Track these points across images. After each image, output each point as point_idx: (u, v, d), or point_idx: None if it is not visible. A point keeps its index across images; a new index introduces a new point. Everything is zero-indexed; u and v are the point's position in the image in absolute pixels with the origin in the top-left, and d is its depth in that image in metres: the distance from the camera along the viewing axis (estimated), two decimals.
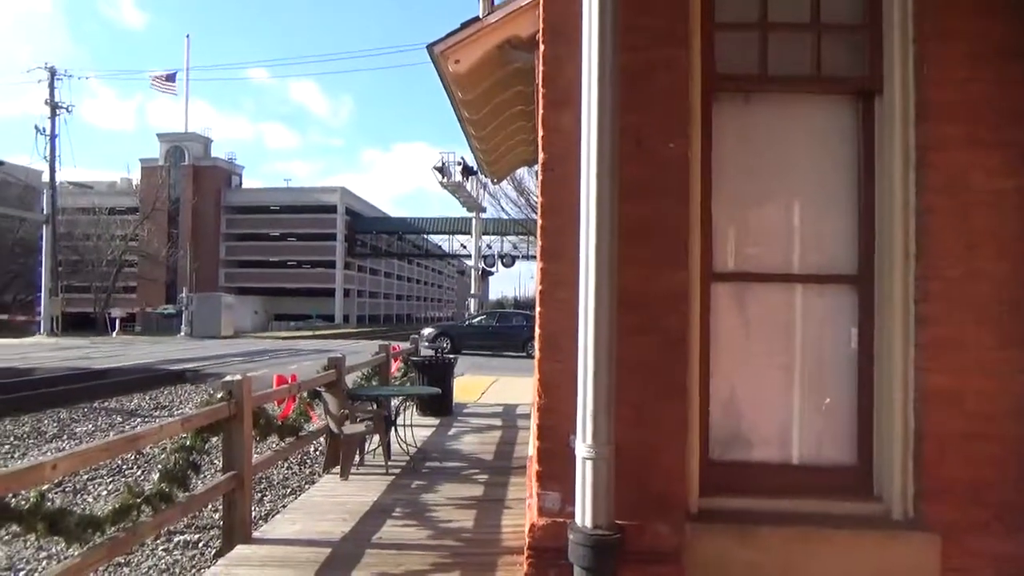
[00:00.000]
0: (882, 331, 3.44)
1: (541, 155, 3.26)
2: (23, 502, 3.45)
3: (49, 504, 3.57)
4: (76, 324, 45.94)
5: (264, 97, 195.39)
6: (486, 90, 6.38)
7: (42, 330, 39.18)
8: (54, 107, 39.62)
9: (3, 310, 45.05)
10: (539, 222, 3.32)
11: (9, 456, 9.92)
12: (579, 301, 2.78)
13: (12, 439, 10.99)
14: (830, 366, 3.55)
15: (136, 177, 68.76)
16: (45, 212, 40.67)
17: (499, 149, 8.79)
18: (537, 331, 3.29)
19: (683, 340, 3.24)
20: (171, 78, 54.96)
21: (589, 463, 2.73)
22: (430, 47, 5.72)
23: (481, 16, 5.53)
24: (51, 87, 39.62)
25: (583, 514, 2.76)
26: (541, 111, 3.29)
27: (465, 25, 5.51)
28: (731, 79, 3.50)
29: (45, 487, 3.61)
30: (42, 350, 27.48)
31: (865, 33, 3.50)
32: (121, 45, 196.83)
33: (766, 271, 3.54)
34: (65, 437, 11.31)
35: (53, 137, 39.48)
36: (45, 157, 39.58)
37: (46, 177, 40.95)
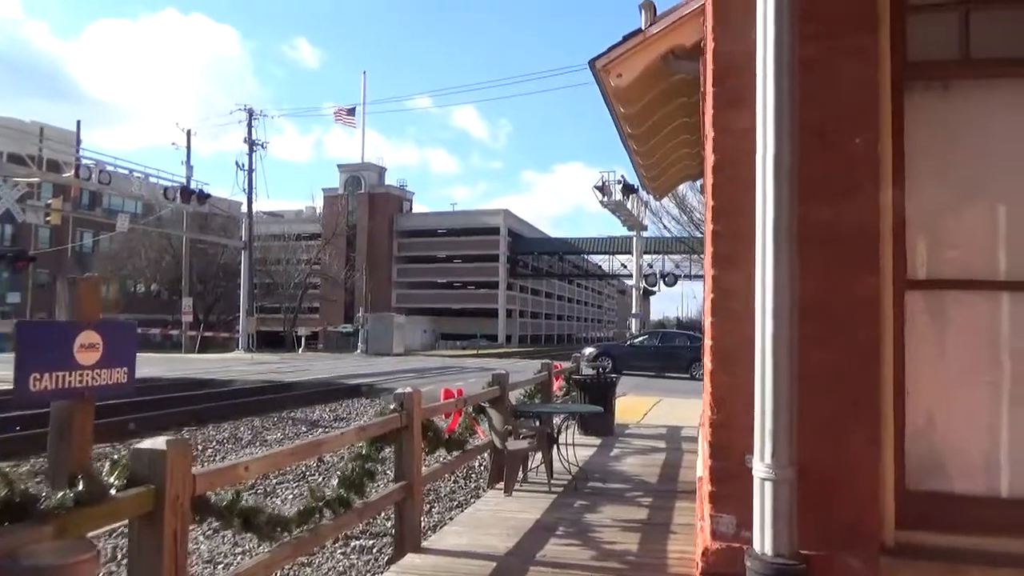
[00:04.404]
0: None
1: (712, 157, 3.10)
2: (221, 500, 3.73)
3: (243, 502, 3.85)
4: (268, 341, 50.49)
5: (428, 124, 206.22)
6: (648, 103, 6.26)
7: (240, 346, 43.20)
8: (251, 144, 43.79)
9: (208, 327, 50.37)
10: (709, 227, 3.15)
11: (212, 458, 10.97)
12: (756, 310, 2.59)
13: (214, 443, 12.19)
14: None
15: (319, 205, 74.82)
16: (244, 239, 45.06)
17: (661, 164, 8.60)
18: (708, 343, 3.11)
19: (874, 353, 2.93)
20: (351, 112, 59.42)
21: (768, 485, 2.52)
22: (592, 62, 5.69)
23: (643, 28, 5.43)
24: (249, 126, 43.79)
25: (762, 540, 2.55)
26: (711, 112, 3.14)
27: (627, 38, 5.42)
28: (926, 66, 3.15)
29: (240, 486, 3.92)
30: (240, 364, 30.41)
31: None
32: (300, 83, 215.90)
33: (971, 277, 3.13)
34: (258, 443, 12.36)
35: (251, 172, 43.65)
36: (244, 189, 43.92)
37: (244, 208, 45.41)
